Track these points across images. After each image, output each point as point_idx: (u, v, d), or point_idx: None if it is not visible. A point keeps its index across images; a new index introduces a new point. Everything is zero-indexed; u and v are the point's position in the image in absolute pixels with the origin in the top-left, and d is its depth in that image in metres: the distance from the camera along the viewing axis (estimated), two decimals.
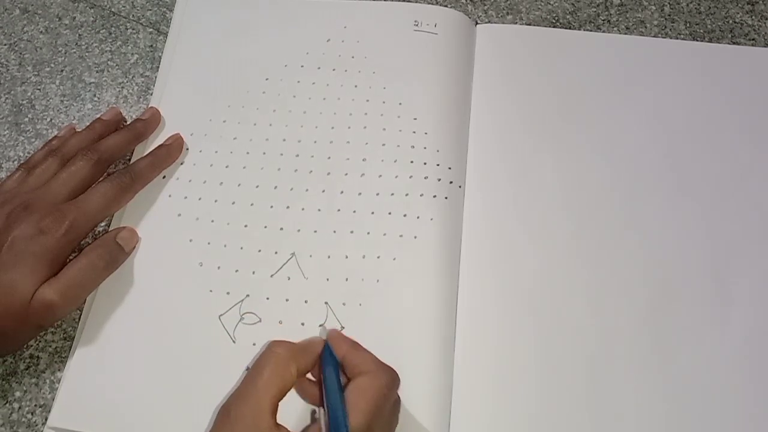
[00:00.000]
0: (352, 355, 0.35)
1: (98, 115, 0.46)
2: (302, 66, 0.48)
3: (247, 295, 0.41)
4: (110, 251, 0.40)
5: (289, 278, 0.41)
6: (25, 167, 0.42)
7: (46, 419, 0.38)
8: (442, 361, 0.39)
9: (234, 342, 0.39)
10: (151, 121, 0.45)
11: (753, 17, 0.53)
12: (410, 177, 0.44)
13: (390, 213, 0.43)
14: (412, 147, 0.45)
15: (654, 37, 0.52)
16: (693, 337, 0.41)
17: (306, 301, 0.40)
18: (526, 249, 0.43)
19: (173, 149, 0.45)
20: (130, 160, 0.46)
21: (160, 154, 0.44)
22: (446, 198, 0.43)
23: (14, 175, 0.41)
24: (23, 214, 0.38)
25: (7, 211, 0.38)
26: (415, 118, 0.46)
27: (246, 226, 0.43)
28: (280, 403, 0.33)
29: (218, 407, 0.34)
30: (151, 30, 0.52)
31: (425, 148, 0.45)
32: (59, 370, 0.40)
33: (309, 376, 0.36)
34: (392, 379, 0.34)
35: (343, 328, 0.40)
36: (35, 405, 0.39)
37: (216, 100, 0.47)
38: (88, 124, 0.45)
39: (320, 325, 0.40)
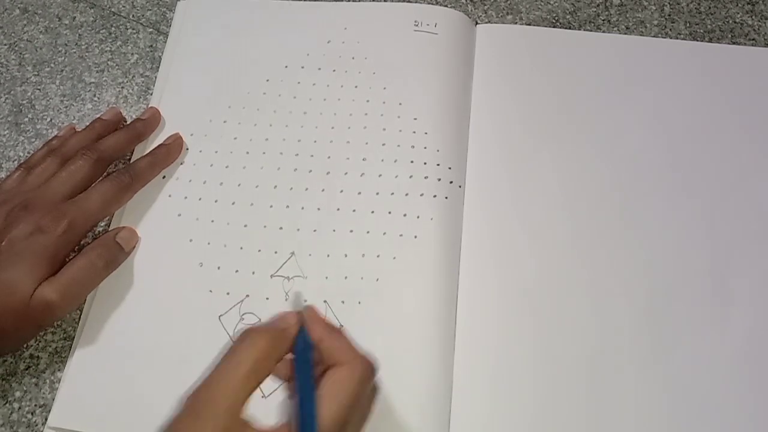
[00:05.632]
0: (329, 341, 0.33)
1: (98, 115, 0.46)
2: (303, 67, 0.49)
3: (247, 296, 0.41)
4: (110, 250, 0.40)
5: (288, 278, 0.41)
6: (25, 167, 0.42)
7: (46, 419, 0.38)
8: (442, 361, 0.39)
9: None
10: (151, 120, 0.45)
11: (753, 17, 0.53)
12: (410, 177, 0.44)
13: (390, 212, 0.43)
14: (412, 147, 0.45)
15: (654, 37, 0.52)
16: (693, 337, 0.41)
17: (305, 300, 0.40)
18: (526, 249, 0.43)
19: (173, 149, 0.45)
20: (130, 159, 0.46)
21: (160, 154, 0.44)
22: (446, 198, 0.43)
23: (14, 175, 0.41)
24: (22, 213, 0.38)
25: (6, 210, 0.38)
26: (415, 118, 0.46)
27: (246, 225, 0.43)
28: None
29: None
30: (151, 30, 0.52)
31: (425, 147, 0.45)
32: (59, 370, 0.40)
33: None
34: (371, 370, 0.33)
35: (342, 326, 0.40)
36: (35, 405, 0.39)
37: (216, 100, 0.47)
38: (88, 124, 0.45)
39: (304, 300, 0.40)
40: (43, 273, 0.37)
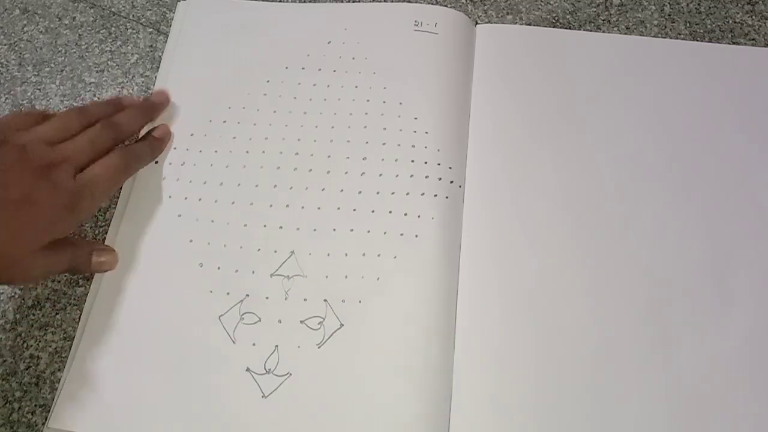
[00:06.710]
0: None
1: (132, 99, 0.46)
2: (303, 68, 0.49)
3: (247, 295, 0.41)
4: (78, 261, 0.40)
5: (288, 277, 0.41)
6: (43, 115, 0.40)
7: (46, 419, 0.38)
8: (441, 361, 0.39)
9: (234, 342, 0.39)
10: (160, 98, 0.46)
11: (753, 17, 0.53)
12: (411, 176, 0.44)
13: (390, 212, 0.43)
14: (413, 146, 0.45)
15: (654, 37, 0.52)
16: (693, 337, 0.41)
17: (305, 299, 0.40)
18: (526, 249, 0.43)
19: (164, 134, 0.45)
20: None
21: (154, 138, 0.45)
22: (447, 197, 0.43)
23: (29, 115, 0.40)
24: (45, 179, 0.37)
25: (32, 166, 0.37)
26: (416, 118, 0.46)
27: (245, 225, 0.43)
28: None
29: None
30: (151, 30, 0.52)
31: (426, 147, 0.45)
32: (59, 370, 0.40)
33: None
34: None
35: (342, 325, 0.40)
36: (35, 405, 0.39)
37: (216, 101, 0.47)
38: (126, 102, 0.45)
39: None
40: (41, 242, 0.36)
